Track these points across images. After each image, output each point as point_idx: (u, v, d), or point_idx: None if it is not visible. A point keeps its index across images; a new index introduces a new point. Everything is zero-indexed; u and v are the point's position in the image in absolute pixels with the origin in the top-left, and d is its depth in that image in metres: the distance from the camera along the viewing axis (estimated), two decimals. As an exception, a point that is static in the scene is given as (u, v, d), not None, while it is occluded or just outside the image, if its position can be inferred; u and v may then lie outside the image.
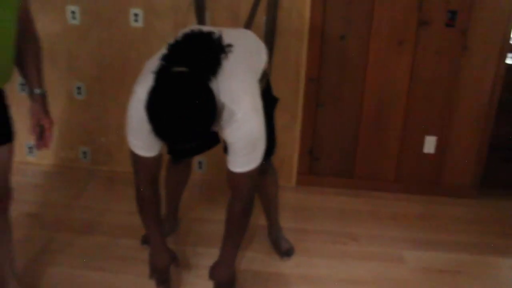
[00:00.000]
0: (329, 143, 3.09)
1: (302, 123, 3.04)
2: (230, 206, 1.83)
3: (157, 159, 1.78)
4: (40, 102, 1.76)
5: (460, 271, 2.36)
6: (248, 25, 2.54)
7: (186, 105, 1.40)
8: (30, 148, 3.29)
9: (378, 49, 2.87)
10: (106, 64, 3.03)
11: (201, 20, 2.78)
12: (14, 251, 1.94)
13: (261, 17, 2.77)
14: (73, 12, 2.92)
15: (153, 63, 1.60)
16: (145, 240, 2.44)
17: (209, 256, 2.04)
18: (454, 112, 2.96)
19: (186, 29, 1.78)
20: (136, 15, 2.90)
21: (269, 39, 2.67)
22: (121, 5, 2.89)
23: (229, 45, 1.64)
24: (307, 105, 2.99)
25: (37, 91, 1.74)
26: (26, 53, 1.68)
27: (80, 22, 2.94)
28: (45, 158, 3.30)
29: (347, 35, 2.86)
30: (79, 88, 3.09)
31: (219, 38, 1.63)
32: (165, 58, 1.53)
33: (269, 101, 2.04)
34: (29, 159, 3.32)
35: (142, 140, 1.69)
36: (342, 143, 3.09)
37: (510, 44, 2.87)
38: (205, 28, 1.76)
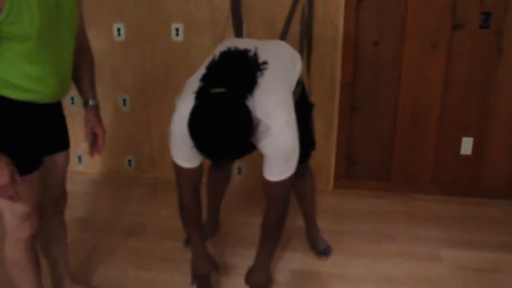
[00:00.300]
0: (365, 147, 3.15)
1: (338, 128, 3.11)
2: (266, 213, 1.92)
3: (198, 170, 1.89)
4: (94, 111, 1.91)
5: (497, 270, 2.38)
6: (283, 36, 2.64)
7: (225, 125, 1.52)
8: (79, 157, 3.49)
9: (412, 54, 2.92)
10: (149, 77, 3.20)
11: (238, 33, 2.90)
12: (68, 250, 2.10)
13: (295, 28, 2.87)
14: (118, 29, 3.10)
15: (194, 82, 1.72)
16: (188, 242, 2.55)
17: (248, 257, 2.13)
18: (490, 113, 2.97)
19: (223, 46, 1.89)
20: (177, 29, 3.05)
21: (304, 48, 2.75)
22: (163, 21, 3.05)
23: (265, 62, 1.73)
24: (342, 110, 3.07)
25: (91, 101, 1.89)
26: (81, 67, 1.83)
27: (125, 38, 3.12)
28: (93, 167, 3.49)
29: (380, 41, 2.93)
30: (124, 100, 3.27)
31: (255, 56, 1.73)
32: (204, 79, 1.65)
33: (305, 107, 2.14)
34: (78, 168, 3.52)
35: (184, 152, 1.81)
36: (377, 146, 3.14)
37: (546, 44, 2.87)
38: (241, 44, 1.86)
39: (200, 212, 2.03)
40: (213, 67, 1.68)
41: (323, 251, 2.47)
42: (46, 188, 1.81)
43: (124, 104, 3.28)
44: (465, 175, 3.11)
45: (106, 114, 3.28)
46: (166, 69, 3.16)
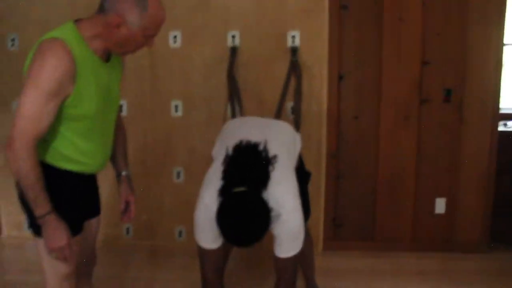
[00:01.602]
0: (350, 210, 3.45)
1: (325, 194, 3.40)
2: (276, 286, 2.15)
3: (221, 250, 2.11)
4: (127, 182, 2.13)
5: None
6: (278, 112, 2.98)
7: (250, 220, 1.80)
8: (78, 228, 3.62)
9: (387, 125, 3.31)
10: (149, 149, 3.45)
11: (233, 111, 3.20)
12: None
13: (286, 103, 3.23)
14: (121, 106, 3.37)
15: (214, 176, 1.98)
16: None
17: None
18: (459, 174, 3.34)
19: (232, 135, 2.17)
20: (176, 106, 3.36)
21: (298, 122, 3.09)
22: (164, 98, 3.35)
23: (274, 156, 2.00)
24: (328, 178, 3.38)
25: (124, 172, 2.12)
26: (117, 142, 2.06)
27: (127, 113, 3.38)
28: (91, 237, 3.62)
29: (359, 115, 3.31)
30: (125, 171, 3.48)
31: (265, 150, 1.99)
32: (225, 177, 1.90)
33: (303, 176, 2.43)
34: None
35: (207, 235, 2.03)
36: (361, 209, 3.44)
37: (500, 113, 3.31)
38: (249, 131, 2.15)
39: None
40: (230, 165, 1.94)
41: (323, 306, 2.68)
42: (80, 251, 1.99)
43: (125, 176, 3.48)
44: (440, 232, 3.43)
45: (108, 185, 3.49)
46: (166, 142, 3.42)
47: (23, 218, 3.52)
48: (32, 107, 1.57)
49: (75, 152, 1.77)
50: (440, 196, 3.38)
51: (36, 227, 1.77)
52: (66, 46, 1.58)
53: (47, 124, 1.62)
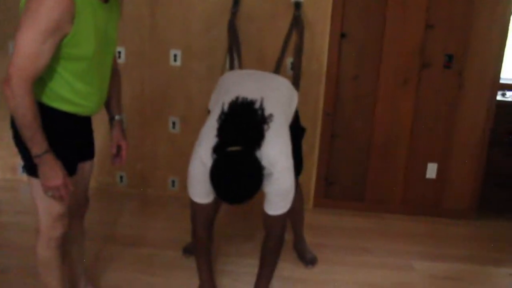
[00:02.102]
0: (343, 170, 3.48)
1: (319, 152, 3.42)
2: (264, 242, 2.22)
3: (212, 205, 2.15)
4: (119, 126, 2.13)
5: (462, 278, 2.72)
6: (277, 68, 2.96)
7: (243, 178, 1.82)
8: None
9: (386, 88, 3.30)
10: (146, 98, 3.43)
11: (232, 64, 3.18)
12: (85, 252, 2.28)
13: (286, 59, 3.20)
14: (119, 52, 3.33)
15: (210, 130, 1.98)
16: (185, 250, 2.78)
17: (239, 264, 2.51)
18: (453, 141, 3.36)
19: (228, 89, 2.17)
20: (175, 55, 3.32)
21: (296, 79, 3.07)
22: (163, 47, 3.31)
23: (270, 115, 2.00)
24: (323, 136, 3.39)
25: (117, 117, 2.12)
26: (112, 86, 2.05)
27: (125, 61, 3.35)
28: (84, 182, 3.65)
29: (359, 75, 3.29)
30: (120, 119, 3.48)
31: (261, 108, 2.00)
32: (219, 134, 1.91)
33: (298, 131, 2.43)
34: (70, 183, 3.66)
35: (200, 190, 2.07)
36: (354, 170, 3.47)
37: (500, 83, 3.30)
38: (246, 86, 2.16)
39: (210, 244, 2.29)
40: (226, 122, 1.94)
41: (310, 261, 2.75)
42: (73, 193, 2.01)
43: (120, 123, 3.48)
44: (430, 197, 3.48)
45: (103, 132, 3.49)
46: (163, 92, 3.41)
47: (16, 162, 3.59)
48: (29, 45, 1.55)
49: (71, 93, 1.77)
50: (432, 161, 3.41)
51: (30, 168, 1.79)
52: None
53: (45, 62, 1.61)
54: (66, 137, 1.83)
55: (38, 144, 1.66)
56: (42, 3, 1.53)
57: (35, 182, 1.79)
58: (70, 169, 1.85)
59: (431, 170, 3.42)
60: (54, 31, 1.57)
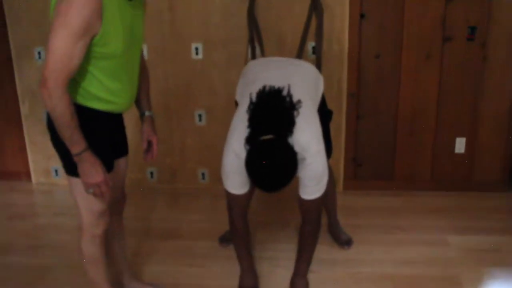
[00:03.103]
0: (370, 150, 3.48)
1: (346, 134, 3.43)
2: (302, 227, 2.25)
3: (248, 195, 2.19)
4: (150, 122, 2.18)
5: (497, 250, 2.73)
6: (299, 53, 2.96)
7: (278, 166, 1.83)
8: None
9: (409, 64, 3.28)
10: (171, 93, 3.47)
11: (254, 52, 3.19)
12: (127, 247, 2.34)
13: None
14: (142, 50, 3.36)
15: (241, 121, 2.00)
16: (222, 240, 2.83)
17: (276, 250, 2.58)
18: (480, 115, 3.34)
19: (254, 78, 2.19)
20: (196, 48, 3.35)
21: (319, 62, 3.07)
22: (184, 41, 3.35)
23: (298, 101, 2.00)
24: (349, 117, 3.39)
25: (147, 112, 2.16)
26: (141, 82, 2.09)
27: (148, 57, 3.39)
28: (116, 180, 3.72)
29: (381, 54, 3.28)
30: (147, 115, 3.53)
31: (289, 95, 2.00)
32: (251, 124, 1.92)
33: (325, 114, 2.45)
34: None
35: (235, 181, 2.10)
36: (381, 149, 3.47)
37: (525, 52, 3.26)
38: (272, 74, 2.18)
39: (248, 233, 2.33)
40: (256, 112, 1.95)
41: (346, 242, 2.77)
42: (112, 190, 2.06)
43: (147, 120, 3.53)
44: (460, 171, 3.46)
45: (131, 129, 3.55)
46: (187, 85, 3.44)
47: (50, 165, 3.68)
48: (62, 46, 1.59)
49: (104, 91, 1.81)
50: (460, 135, 3.39)
51: (70, 167, 1.84)
52: None
53: (78, 62, 1.65)
54: (101, 135, 1.88)
55: (77, 143, 1.71)
56: (71, 5, 1.57)
57: (75, 181, 1.85)
58: (108, 166, 1.89)
59: (460, 145, 3.41)
60: (84, 32, 1.61)
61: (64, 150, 1.77)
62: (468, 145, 3.41)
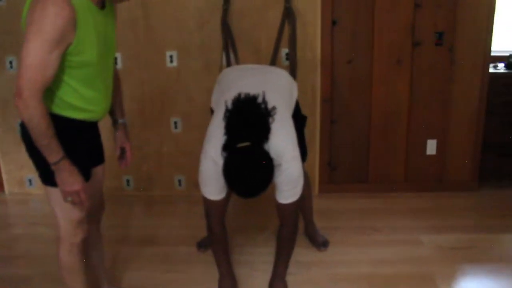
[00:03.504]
0: (345, 153, 3.55)
1: (320, 138, 3.49)
2: (280, 230, 2.30)
3: (225, 200, 2.22)
4: (123, 129, 2.19)
5: (470, 247, 2.81)
6: (273, 59, 3.02)
7: (255, 172, 1.89)
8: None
9: (380, 69, 3.36)
10: (146, 99, 3.48)
11: (228, 60, 3.23)
12: (105, 256, 2.34)
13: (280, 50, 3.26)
14: (115, 58, 3.37)
15: (217, 128, 2.04)
16: (199, 245, 2.85)
17: (254, 254, 2.62)
18: (450, 117, 3.44)
19: (229, 86, 2.23)
20: (171, 56, 3.37)
21: (293, 69, 3.14)
22: (158, 49, 3.36)
23: (273, 108, 2.04)
24: (323, 122, 3.46)
25: (121, 121, 2.17)
26: (114, 90, 2.09)
27: (122, 65, 3.40)
28: (92, 189, 3.70)
29: (353, 59, 3.36)
30: (122, 123, 3.53)
31: (264, 102, 2.04)
32: (228, 132, 1.97)
33: (300, 120, 2.50)
34: (78, 191, 3.72)
35: (212, 188, 2.14)
36: (355, 153, 3.54)
37: (491, 56, 3.37)
38: (246, 81, 2.22)
39: (226, 237, 2.36)
40: (232, 120, 1.99)
41: (322, 244, 2.82)
42: (90, 198, 2.06)
43: (122, 128, 3.53)
44: (432, 172, 3.56)
45: (105, 137, 3.54)
46: (162, 93, 3.46)
47: (23, 175, 3.63)
48: (37, 56, 1.58)
49: (80, 100, 1.81)
50: (432, 137, 3.49)
51: (46, 177, 1.83)
52: None
53: (53, 72, 1.64)
54: (78, 144, 1.87)
55: (54, 152, 1.70)
56: (44, 14, 1.56)
57: (52, 190, 1.84)
58: (85, 174, 1.88)
59: (431, 146, 3.50)
60: (59, 41, 1.60)
61: (40, 160, 1.75)
62: (439, 146, 3.51)
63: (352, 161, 3.56)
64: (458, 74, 3.37)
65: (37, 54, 1.58)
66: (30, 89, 1.60)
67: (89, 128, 1.97)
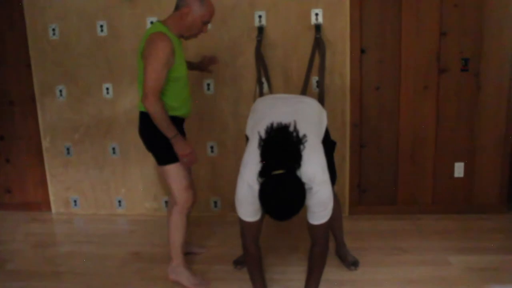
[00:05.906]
0: (374, 176, 3.67)
1: (350, 162, 3.63)
2: (311, 250, 2.44)
3: (260, 222, 2.39)
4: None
5: (498, 268, 2.87)
6: (304, 87, 3.19)
7: (289, 198, 2.04)
8: (119, 201, 3.91)
9: (407, 95, 3.50)
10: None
11: (261, 89, 3.41)
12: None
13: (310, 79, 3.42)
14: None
15: (253, 155, 2.20)
16: (236, 263, 3.00)
17: (285, 272, 2.71)
18: (477, 140, 3.54)
19: (263, 116, 2.40)
20: (208, 84, 3.58)
21: (321, 95, 3.29)
22: (196, 77, 3.57)
23: (304, 136, 2.21)
24: (353, 146, 3.60)
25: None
26: None
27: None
28: (132, 209, 3.92)
29: (381, 86, 3.50)
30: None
31: (296, 131, 2.21)
32: (263, 160, 2.12)
33: (329, 145, 2.65)
34: (119, 211, 3.94)
35: (248, 210, 2.30)
36: (384, 175, 3.66)
37: (516, 81, 3.47)
38: (279, 111, 2.39)
39: (261, 256, 2.51)
40: (266, 148, 2.15)
41: (352, 263, 2.94)
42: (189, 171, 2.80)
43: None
44: (459, 195, 3.64)
45: (143, 164, 3.74)
46: (200, 119, 3.66)
47: (69, 196, 3.87)
48: (156, 72, 2.41)
49: (178, 102, 2.61)
50: (459, 160, 3.58)
51: (163, 159, 2.62)
52: (166, 34, 2.45)
53: (163, 82, 2.46)
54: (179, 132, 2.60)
55: (171, 130, 2.49)
56: (158, 48, 2.41)
57: (168, 168, 2.63)
58: None
59: (459, 169, 3.59)
60: (167, 62, 2.43)
61: (158, 148, 2.60)
62: (466, 169, 3.59)
63: (381, 183, 3.68)
64: (484, 99, 3.47)
65: (156, 71, 2.41)
66: (153, 93, 2.42)
67: (180, 125, 2.70)
